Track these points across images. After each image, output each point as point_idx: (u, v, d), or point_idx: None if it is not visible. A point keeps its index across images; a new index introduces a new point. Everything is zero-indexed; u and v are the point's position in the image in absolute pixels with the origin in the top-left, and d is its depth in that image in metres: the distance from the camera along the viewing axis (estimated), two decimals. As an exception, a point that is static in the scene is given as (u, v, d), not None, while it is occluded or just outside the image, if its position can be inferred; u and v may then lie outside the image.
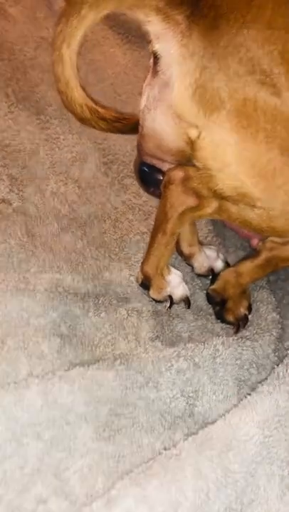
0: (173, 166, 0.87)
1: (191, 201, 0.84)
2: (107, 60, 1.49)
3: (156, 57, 0.77)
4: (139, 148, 0.89)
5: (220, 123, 0.75)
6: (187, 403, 0.78)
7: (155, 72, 0.78)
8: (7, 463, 0.63)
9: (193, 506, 0.61)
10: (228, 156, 0.77)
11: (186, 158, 0.84)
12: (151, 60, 0.80)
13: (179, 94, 0.76)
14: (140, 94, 1.44)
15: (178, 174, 0.84)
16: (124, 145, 1.27)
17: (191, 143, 0.79)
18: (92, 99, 0.89)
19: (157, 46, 0.75)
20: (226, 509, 0.65)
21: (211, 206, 0.84)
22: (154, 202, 1.17)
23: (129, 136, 1.30)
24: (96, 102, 0.89)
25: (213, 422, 0.71)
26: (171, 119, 0.80)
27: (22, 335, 0.79)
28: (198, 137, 0.78)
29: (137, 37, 1.57)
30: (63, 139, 1.22)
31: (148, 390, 0.76)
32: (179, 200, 0.84)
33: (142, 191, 1.18)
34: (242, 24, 0.71)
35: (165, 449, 0.69)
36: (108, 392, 0.73)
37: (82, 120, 0.88)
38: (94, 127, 0.92)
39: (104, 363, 0.76)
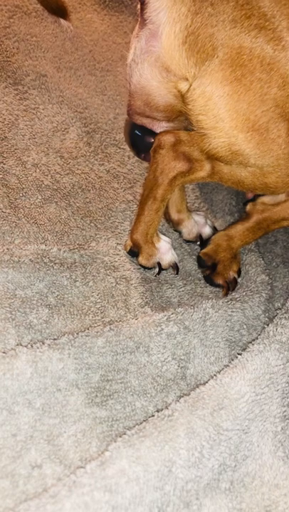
0: (164, 127, 0.84)
1: (182, 165, 0.82)
2: (85, 26, 1.45)
3: (143, 4, 0.73)
4: (129, 107, 0.86)
5: (212, 73, 0.71)
6: (179, 366, 0.78)
7: (142, 22, 0.74)
8: (-1, 431, 0.63)
9: (188, 464, 0.62)
10: (221, 110, 0.74)
11: (177, 114, 0.81)
12: (139, 7, 0.76)
13: (168, 42, 0.72)
14: (120, 59, 1.41)
15: (168, 139, 0.81)
16: (106, 113, 1.24)
17: (182, 97, 0.76)
18: None
19: None
20: (220, 465, 0.65)
21: (204, 169, 0.82)
22: (139, 170, 1.15)
23: (110, 103, 1.28)
24: None
25: (204, 383, 0.71)
26: (159, 73, 0.76)
27: (9, 306, 0.78)
28: (189, 90, 0.74)
29: (114, 1, 1.52)
30: (43, 109, 1.19)
31: (139, 354, 0.76)
32: (170, 165, 0.82)
33: (126, 159, 1.16)
34: None
35: (158, 411, 0.69)
36: (99, 359, 0.73)
37: None
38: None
39: (94, 330, 0.76)
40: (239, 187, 0.87)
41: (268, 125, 0.73)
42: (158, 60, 0.76)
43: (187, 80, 0.75)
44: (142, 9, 0.75)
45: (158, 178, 0.86)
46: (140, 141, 0.94)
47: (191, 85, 0.75)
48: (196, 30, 0.71)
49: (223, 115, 0.75)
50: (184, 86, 0.76)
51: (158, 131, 0.89)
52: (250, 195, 1.05)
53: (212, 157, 0.81)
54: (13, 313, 0.78)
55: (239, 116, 0.74)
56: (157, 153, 0.84)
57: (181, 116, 0.84)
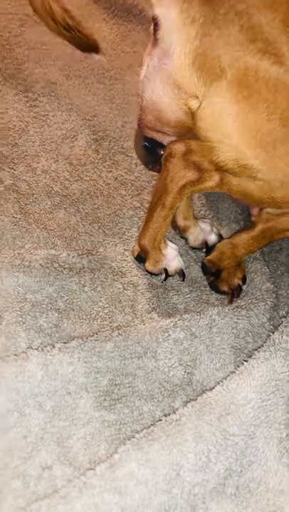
0: (172, 140, 0.86)
1: (192, 175, 0.83)
2: (94, 35, 1.47)
3: (156, 25, 0.76)
4: (140, 121, 0.88)
5: (220, 93, 0.74)
6: (185, 372, 0.80)
7: (155, 41, 0.77)
8: (10, 432, 0.64)
9: (195, 468, 0.63)
10: (229, 127, 0.76)
11: (186, 130, 0.84)
12: (151, 28, 0.78)
13: (179, 62, 0.75)
14: (129, 68, 1.43)
15: (179, 148, 0.83)
16: (115, 121, 1.26)
17: (192, 114, 0.79)
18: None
19: (158, 10, 0.74)
20: (226, 470, 0.66)
21: (213, 179, 0.84)
22: (146, 177, 1.17)
23: (118, 111, 1.30)
24: (63, 7, 0.88)
25: (211, 389, 0.72)
26: (171, 90, 0.79)
27: (19, 310, 0.80)
28: (199, 108, 0.77)
29: (123, 11, 1.55)
30: (52, 116, 1.21)
31: (146, 359, 0.77)
32: (180, 173, 0.84)
33: (133, 167, 1.18)
34: None
35: (165, 416, 0.70)
36: (107, 363, 0.74)
37: (48, 26, 0.87)
38: (48, 26, 0.91)
39: (103, 335, 0.77)
40: (247, 199, 0.89)
41: (275, 143, 0.76)
42: (170, 78, 0.79)
43: (197, 98, 0.78)
44: (155, 29, 0.78)
45: (168, 185, 0.87)
46: (149, 152, 0.96)
47: (201, 104, 0.77)
48: (205, 51, 0.74)
49: (231, 132, 0.78)
50: (194, 104, 0.79)
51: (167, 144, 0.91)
52: (254, 212, 1.07)
53: (221, 169, 0.83)
54: (24, 316, 0.79)
55: (247, 133, 0.77)
56: (168, 161, 0.86)
57: (190, 133, 0.86)
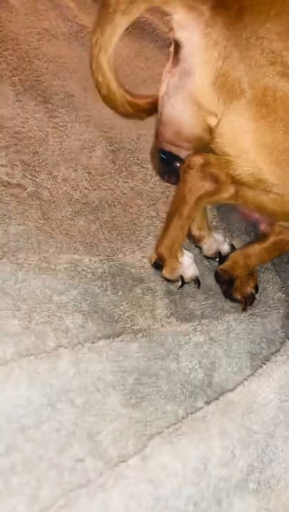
0: (191, 153, 0.90)
1: (209, 186, 0.87)
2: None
3: (177, 46, 0.80)
4: (158, 135, 0.92)
5: (239, 111, 0.78)
6: (205, 374, 0.83)
7: (176, 60, 0.82)
8: (44, 426, 0.66)
9: (221, 462, 0.66)
10: (247, 144, 0.81)
11: (204, 145, 0.88)
12: (172, 49, 0.83)
13: (200, 81, 0.79)
14: (143, 83, 1.48)
15: (198, 160, 0.87)
16: (130, 134, 1.30)
17: (210, 130, 0.83)
18: (131, 95, 0.91)
19: (180, 34, 0.79)
20: (248, 466, 0.69)
21: (228, 191, 0.88)
22: (161, 188, 1.21)
23: (134, 125, 1.34)
24: (135, 97, 0.91)
25: (232, 390, 0.76)
26: (191, 107, 0.83)
27: (47, 310, 0.82)
28: (218, 125, 0.81)
29: (136, 28, 1.60)
30: (71, 127, 1.25)
31: (169, 361, 0.81)
32: (198, 184, 0.88)
33: (148, 178, 1.22)
34: (266, 17, 0.74)
35: (188, 414, 0.73)
36: (133, 363, 0.77)
37: (127, 116, 0.91)
38: (138, 119, 0.95)
39: (128, 336, 0.80)
40: (261, 211, 0.93)
41: None
42: (191, 96, 0.83)
43: (216, 115, 0.82)
44: (176, 51, 0.82)
45: (186, 196, 0.91)
46: (165, 164, 1.00)
47: (220, 121, 0.82)
48: (226, 72, 0.78)
49: (248, 148, 0.82)
50: (213, 121, 0.83)
51: (184, 157, 0.94)
52: (262, 227, 1.11)
53: (237, 182, 0.87)
54: (51, 317, 0.82)
55: (263, 150, 0.82)
56: (187, 172, 0.90)
57: (206, 148, 0.90)
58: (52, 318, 0.82)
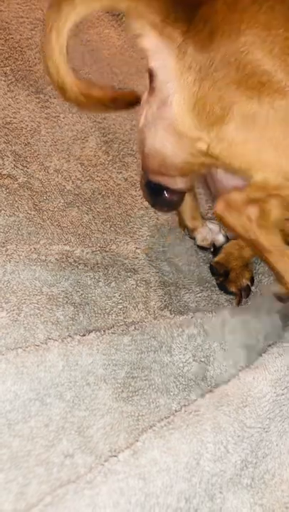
0: (179, 182, 0.86)
1: (252, 212, 0.82)
2: (103, 41, 1.49)
3: (151, 75, 0.77)
4: (144, 167, 0.88)
5: (226, 128, 0.75)
6: (199, 367, 0.81)
7: (152, 90, 0.78)
8: (33, 421, 0.64)
9: (214, 458, 0.64)
10: (248, 153, 0.77)
11: (192, 170, 0.84)
12: (147, 76, 0.79)
13: (178, 110, 0.75)
14: (136, 73, 1.45)
15: (222, 204, 0.82)
16: (124, 124, 1.28)
17: (205, 155, 0.79)
18: (87, 83, 0.86)
19: (153, 64, 0.75)
20: (242, 461, 0.67)
21: (270, 203, 0.81)
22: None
23: (128, 115, 1.32)
24: (90, 85, 0.86)
25: (227, 382, 0.74)
26: (173, 137, 0.79)
27: (37, 302, 0.80)
28: (209, 148, 0.77)
29: (131, 19, 1.58)
30: (63, 118, 1.23)
31: (162, 354, 0.79)
32: (242, 219, 0.82)
33: (142, 169, 1.20)
34: (237, 33, 0.71)
35: (181, 408, 0.72)
36: (125, 356, 0.75)
37: (80, 105, 0.86)
38: (94, 111, 0.90)
39: (120, 328, 0.78)
40: None
41: None
42: (170, 126, 0.79)
43: (203, 139, 0.78)
44: (151, 80, 0.78)
45: (248, 235, 0.84)
46: (155, 196, 0.96)
47: (209, 144, 0.78)
48: (204, 95, 0.74)
49: (255, 156, 0.78)
50: (202, 145, 0.79)
51: (173, 187, 0.91)
52: None
53: (267, 189, 0.81)
54: (41, 309, 0.80)
55: (270, 147, 0.78)
56: (225, 219, 0.84)
57: (195, 172, 0.86)
58: (42, 311, 0.80)
